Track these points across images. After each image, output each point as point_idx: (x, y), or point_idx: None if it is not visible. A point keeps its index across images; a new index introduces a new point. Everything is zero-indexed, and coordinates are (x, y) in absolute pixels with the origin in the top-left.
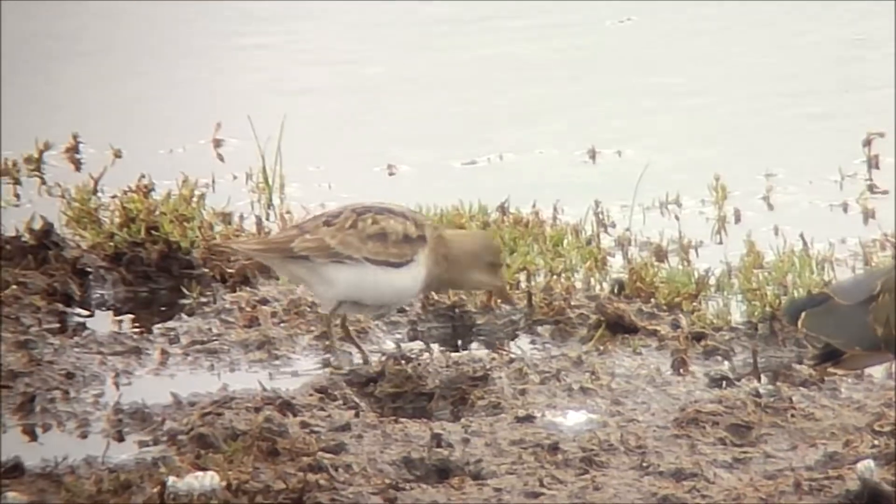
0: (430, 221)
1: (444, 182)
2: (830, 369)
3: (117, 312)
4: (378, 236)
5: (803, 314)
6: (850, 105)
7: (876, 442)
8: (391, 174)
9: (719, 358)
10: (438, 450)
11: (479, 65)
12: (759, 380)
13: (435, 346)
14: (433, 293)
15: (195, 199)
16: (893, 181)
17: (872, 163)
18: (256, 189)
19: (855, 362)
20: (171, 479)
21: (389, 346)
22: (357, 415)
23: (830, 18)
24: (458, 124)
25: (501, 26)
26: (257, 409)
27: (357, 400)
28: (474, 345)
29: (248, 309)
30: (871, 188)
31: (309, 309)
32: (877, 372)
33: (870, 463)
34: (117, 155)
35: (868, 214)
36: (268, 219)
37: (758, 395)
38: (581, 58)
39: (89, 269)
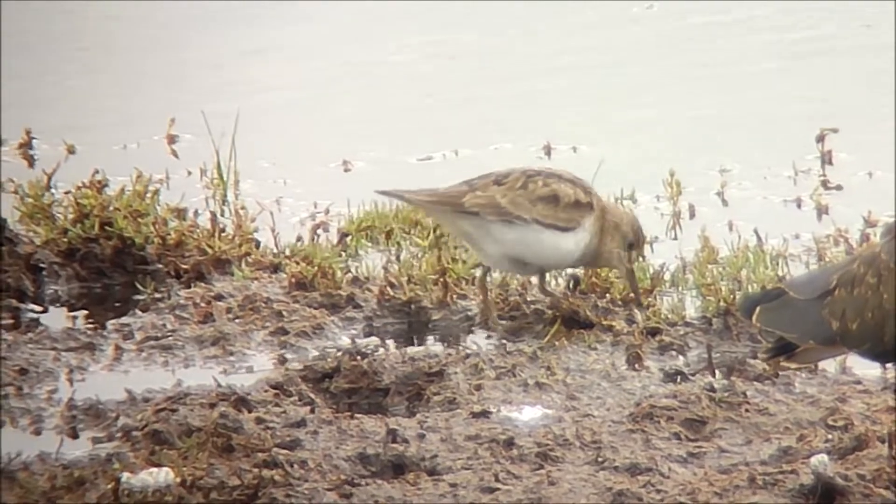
0: (594, 190)
1: (400, 177)
2: (784, 363)
3: (71, 308)
4: (549, 199)
5: (758, 309)
6: (803, 101)
7: (829, 436)
8: (346, 170)
9: (674, 353)
10: (394, 445)
11: (432, 60)
12: (713, 375)
13: (391, 342)
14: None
15: (149, 195)
16: (847, 177)
17: (826, 158)
18: (211, 185)
19: (809, 356)
20: (125, 476)
21: (345, 341)
22: (312, 411)
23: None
24: (412, 120)
25: (450, 21)
26: (212, 405)
27: (312, 396)
28: (430, 340)
29: (203, 305)
30: (825, 184)
31: (264, 305)
32: (830, 366)
33: (823, 457)
34: (70, 150)
35: (822, 210)
36: (222, 215)
37: (712, 389)
38: (536, 53)
39: (43, 265)
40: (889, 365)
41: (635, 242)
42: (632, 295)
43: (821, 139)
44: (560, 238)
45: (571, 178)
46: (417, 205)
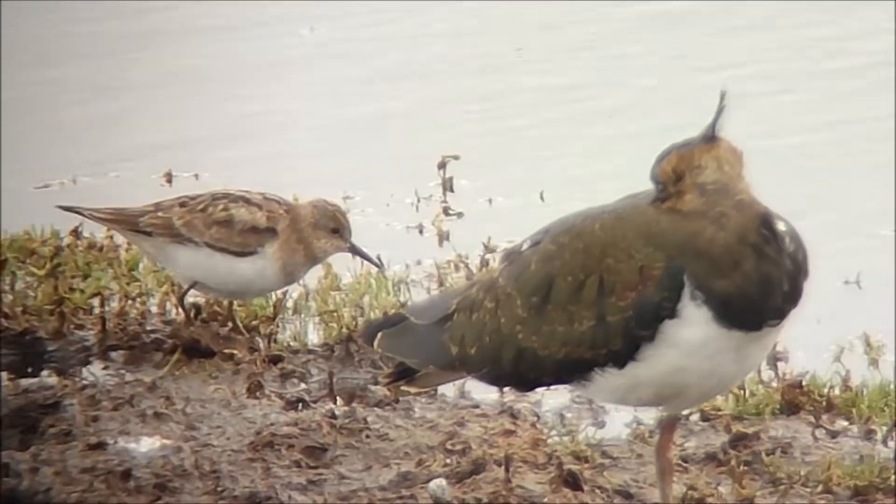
0: (287, 213)
1: (17, 207)
2: (404, 388)
3: None
4: (223, 223)
5: (379, 335)
6: (426, 128)
7: (448, 461)
8: None
9: (296, 380)
10: (6, 479)
11: (46, 86)
12: (334, 401)
13: (4, 374)
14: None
15: None
16: (467, 203)
17: (447, 185)
18: None
19: (428, 380)
20: None
21: None
22: None
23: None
24: (30, 147)
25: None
26: None
27: None
28: (45, 372)
29: None
30: (446, 210)
31: None
32: (450, 391)
33: (441, 482)
34: None
35: (443, 236)
36: None
37: (333, 416)
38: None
39: None
40: (506, 388)
41: (337, 226)
42: None
43: (442, 166)
44: (235, 263)
45: (259, 201)
46: (98, 221)
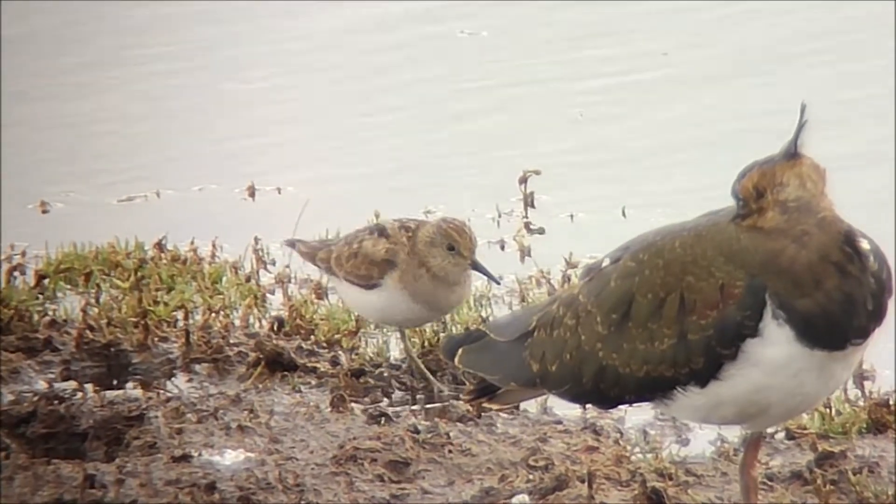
0: (409, 240)
1: (100, 219)
2: (486, 404)
3: None
4: (354, 256)
5: (460, 351)
6: (507, 142)
7: (531, 476)
8: (44, 212)
9: (378, 394)
10: (92, 491)
11: (129, 100)
12: (417, 416)
13: (89, 386)
14: None
15: None
16: (548, 219)
17: (528, 201)
18: None
19: (510, 397)
20: None
21: (42, 385)
22: (7, 457)
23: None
24: (112, 160)
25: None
26: None
27: (8, 441)
28: (130, 384)
29: None
30: (528, 226)
31: None
32: (532, 406)
33: (524, 497)
34: None
35: (524, 252)
36: None
37: (416, 431)
38: (235, 90)
39: None
40: (588, 405)
41: (454, 243)
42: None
43: (523, 181)
44: (365, 295)
45: (391, 231)
46: (300, 255)
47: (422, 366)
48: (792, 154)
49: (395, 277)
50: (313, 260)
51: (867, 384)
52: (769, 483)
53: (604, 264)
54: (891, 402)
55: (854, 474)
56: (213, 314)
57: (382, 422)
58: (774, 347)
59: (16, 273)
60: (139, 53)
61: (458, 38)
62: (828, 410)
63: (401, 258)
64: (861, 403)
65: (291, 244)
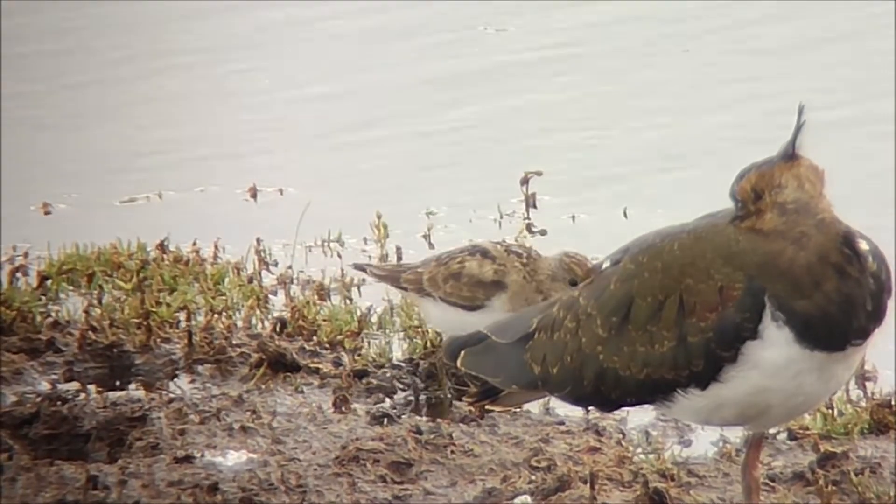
0: (524, 265)
1: (103, 220)
2: (488, 407)
3: None
4: (455, 276)
5: (462, 353)
6: (507, 144)
7: (533, 477)
8: (47, 213)
9: (381, 395)
10: (94, 492)
11: (134, 100)
12: (419, 417)
13: (92, 387)
14: None
15: None
16: (550, 220)
17: (530, 201)
18: None
19: (513, 399)
20: None
21: (44, 386)
22: (10, 458)
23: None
24: (114, 161)
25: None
26: None
27: (10, 442)
28: (132, 385)
29: None
30: (529, 227)
31: None
32: (534, 407)
33: (526, 498)
34: None
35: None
36: None
37: (418, 431)
38: (239, 91)
39: None
40: (590, 407)
41: (575, 279)
42: None
43: (525, 182)
44: (466, 317)
45: (498, 254)
46: (374, 278)
47: None
48: (790, 155)
49: (504, 300)
50: (395, 283)
51: (869, 384)
52: (771, 484)
53: (603, 266)
54: (893, 403)
55: (856, 475)
56: (216, 315)
57: (385, 423)
58: (774, 349)
59: (18, 274)
60: (141, 53)
61: (459, 36)
62: (830, 411)
63: (511, 280)
64: (863, 404)
65: (361, 268)
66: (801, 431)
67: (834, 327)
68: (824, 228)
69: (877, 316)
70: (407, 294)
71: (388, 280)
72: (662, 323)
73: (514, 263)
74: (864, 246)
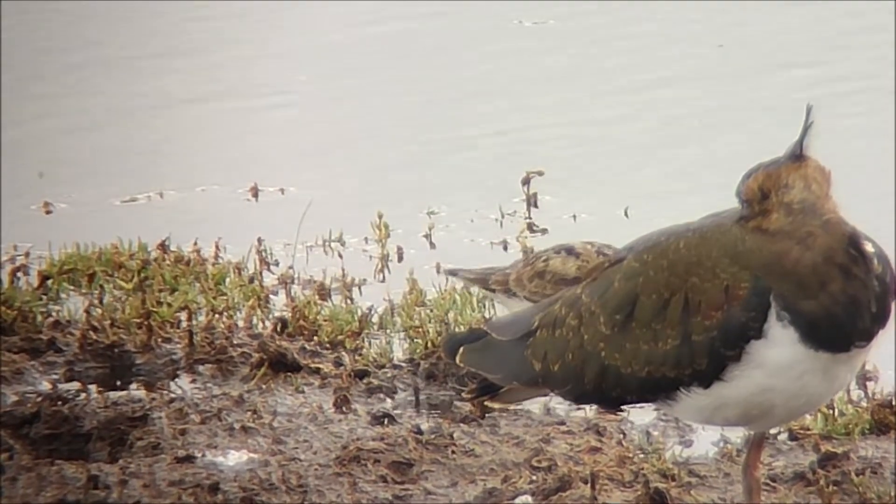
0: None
1: (104, 220)
2: (487, 403)
3: None
4: (540, 275)
5: (461, 350)
6: (508, 144)
7: (534, 477)
8: (48, 212)
9: (382, 395)
10: (95, 492)
11: (132, 101)
12: (420, 417)
13: (93, 387)
14: None
15: None
16: (552, 219)
17: (531, 201)
18: None
19: (511, 396)
20: None
21: (45, 386)
22: (11, 457)
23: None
24: (115, 161)
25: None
26: None
27: (11, 442)
28: (133, 384)
29: None
30: (531, 226)
31: None
32: (535, 407)
33: (527, 498)
34: None
35: (528, 252)
36: None
37: (419, 432)
38: (243, 93)
39: None
40: (590, 406)
41: None
42: None
43: (526, 182)
44: None
45: (584, 252)
46: (465, 281)
47: None
48: (797, 156)
49: None
50: (484, 285)
51: (870, 385)
52: (772, 484)
53: (606, 264)
54: (894, 403)
55: (857, 475)
56: (217, 315)
57: (385, 422)
58: (778, 349)
59: (19, 274)
60: (141, 53)
61: (454, 36)
62: (831, 411)
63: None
64: (864, 404)
65: (453, 273)
66: (801, 432)
67: (839, 328)
68: (830, 229)
69: (881, 318)
70: (496, 296)
71: (478, 283)
72: (667, 321)
73: (598, 261)
74: (869, 248)
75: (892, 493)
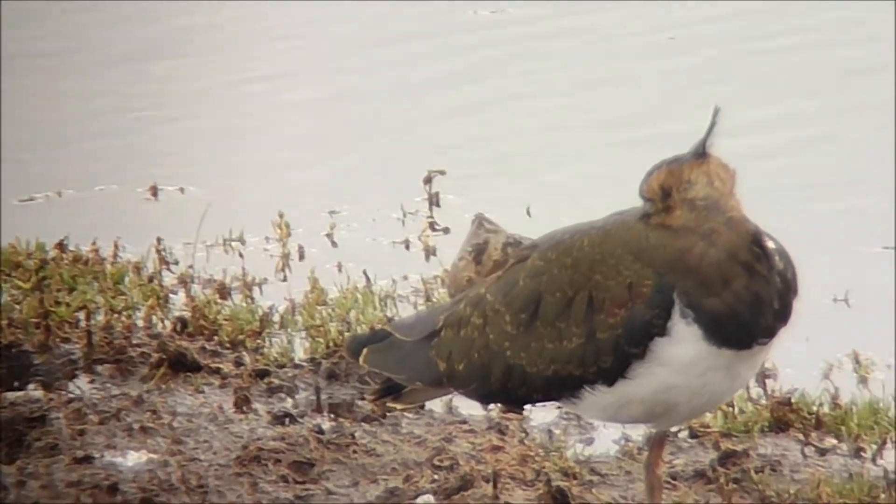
0: None
1: (1, 220)
2: (390, 404)
3: None
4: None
5: (365, 350)
6: (413, 144)
7: (436, 476)
8: None
9: (283, 395)
10: None
11: (31, 98)
12: (321, 416)
13: None
14: None
15: None
16: (454, 218)
17: (433, 200)
18: None
19: (416, 397)
20: None
21: None
22: None
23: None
24: (13, 160)
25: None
26: None
27: None
28: (31, 385)
29: None
30: (433, 226)
31: None
32: (437, 406)
33: (429, 497)
34: None
35: (429, 251)
36: None
37: (320, 431)
38: (145, 93)
39: None
40: (495, 405)
41: None
42: None
43: (428, 181)
44: None
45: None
46: None
47: None
48: (700, 153)
49: None
50: None
51: (769, 383)
52: (673, 482)
53: (509, 263)
54: (793, 401)
55: (756, 473)
56: (116, 315)
57: (286, 422)
58: (682, 346)
59: None
60: (37, 51)
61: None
62: (731, 409)
63: None
64: (763, 402)
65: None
66: (702, 429)
67: (742, 326)
68: (734, 226)
69: (783, 315)
70: None
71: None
72: (571, 319)
73: None
74: (771, 245)
75: (791, 491)
